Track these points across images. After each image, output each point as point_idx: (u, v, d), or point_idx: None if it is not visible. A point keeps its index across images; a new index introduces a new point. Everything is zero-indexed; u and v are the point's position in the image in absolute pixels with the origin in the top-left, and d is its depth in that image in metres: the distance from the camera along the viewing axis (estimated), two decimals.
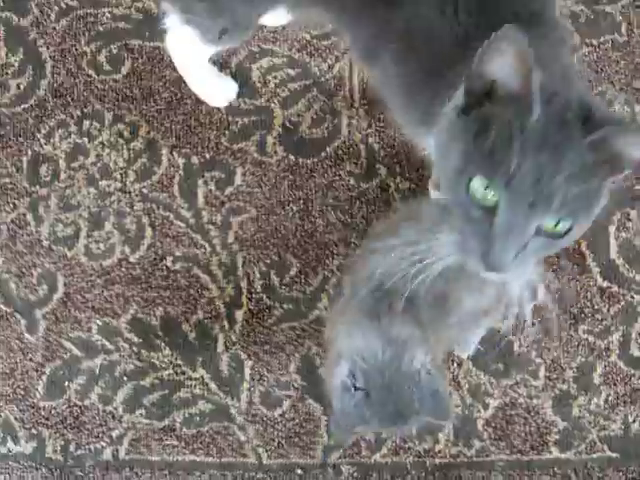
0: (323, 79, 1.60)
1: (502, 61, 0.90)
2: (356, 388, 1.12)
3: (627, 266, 1.58)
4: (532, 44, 0.90)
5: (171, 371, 1.56)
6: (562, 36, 1.11)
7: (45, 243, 1.58)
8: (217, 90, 1.57)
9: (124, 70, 1.61)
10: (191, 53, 1.47)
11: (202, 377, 1.56)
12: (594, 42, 1.63)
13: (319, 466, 1.55)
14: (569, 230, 0.94)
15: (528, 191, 0.89)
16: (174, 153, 1.59)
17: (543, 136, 0.89)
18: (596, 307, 1.57)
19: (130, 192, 1.59)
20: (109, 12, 1.62)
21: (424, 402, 1.11)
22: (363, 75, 1.59)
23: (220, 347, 1.56)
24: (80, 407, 1.56)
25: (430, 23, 1.06)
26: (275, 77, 1.60)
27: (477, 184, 0.91)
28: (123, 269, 1.57)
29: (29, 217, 1.59)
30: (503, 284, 1.07)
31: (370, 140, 1.58)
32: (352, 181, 1.58)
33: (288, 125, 1.59)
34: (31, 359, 1.56)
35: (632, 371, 1.57)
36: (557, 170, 0.89)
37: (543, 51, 0.97)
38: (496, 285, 1.15)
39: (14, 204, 1.59)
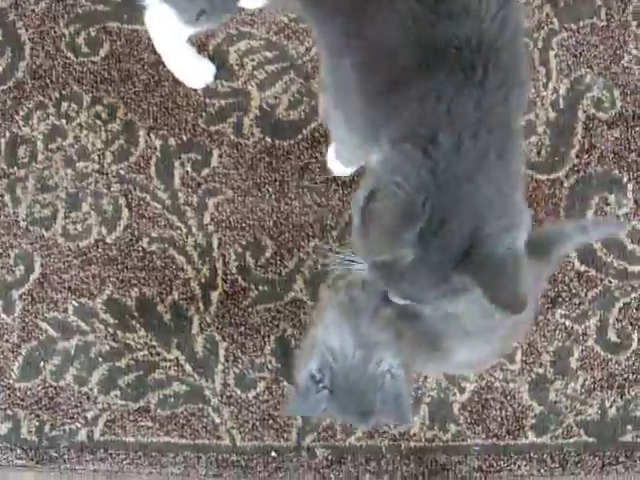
0: (300, 61, 1.60)
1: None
2: (323, 385, 1.13)
3: (605, 250, 1.57)
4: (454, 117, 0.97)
5: (146, 352, 1.56)
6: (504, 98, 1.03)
7: (22, 224, 1.59)
8: (194, 71, 1.57)
9: (102, 52, 1.61)
10: (169, 32, 1.47)
11: (177, 358, 1.55)
12: (573, 26, 1.62)
13: (293, 449, 1.54)
14: None
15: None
16: (151, 135, 1.59)
17: (416, 275, 0.98)
18: (573, 291, 1.57)
19: (107, 173, 1.59)
20: None
21: (386, 405, 1.14)
22: None
23: (195, 328, 1.56)
24: (55, 388, 1.56)
25: (394, 42, 1.05)
26: (252, 59, 1.60)
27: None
28: (99, 250, 1.58)
29: (7, 198, 1.59)
30: None
31: None
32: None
33: (265, 107, 1.59)
34: (7, 340, 1.57)
35: (609, 356, 1.56)
36: (423, 300, 1.05)
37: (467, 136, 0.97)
38: (492, 345, 1.24)
39: None
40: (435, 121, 0.97)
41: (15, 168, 1.59)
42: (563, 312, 1.56)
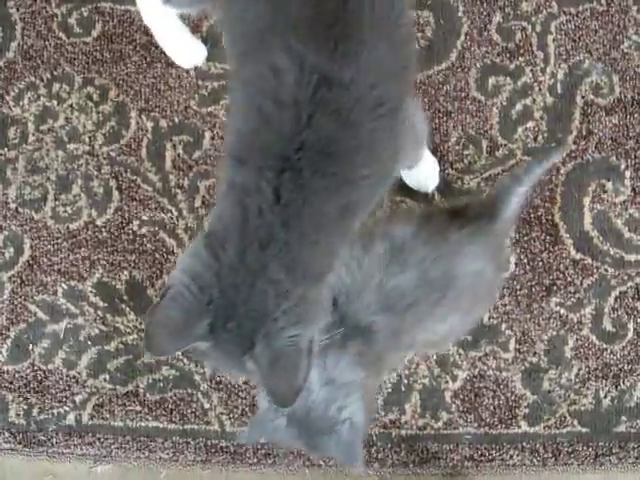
0: None
1: None
2: (281, 414, 1.13)
3: (601, 238, 1.55)
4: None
5: (135, 336, 1.54)
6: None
7: (12, 206, 1.57)
8: (185, 51, 1.55)
9: (94, 33, 1.60)
10: (158, 8, 1.45)
11: None
12: (572, 10, 1.59)
13: None
14: None
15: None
16: (143, 116, 1.58)
17: (215, 357, 1.03)
18: (569, 279, 1.54)
19: (98, 155, 1.58)
20: None
21: (338, 447, 1.13)
22: None
23: None
24: (44, 371, 1.55)
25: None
26: None
27: None
28: (90, 232, 1.56)
29: None
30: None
31: None
32: None
33: None
34: None
35: (604, 345, 1.54)
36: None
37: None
38: (449, 324, 1.24)
39: None
40: (231, 227, 1.00)
41: (5, 149, 1.58)
42: (558, 300, 1.54)
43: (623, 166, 1.56)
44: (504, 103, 1.57)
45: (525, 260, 1.54)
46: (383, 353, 1.21)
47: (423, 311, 1.18)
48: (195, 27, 1.57)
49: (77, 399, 1.54)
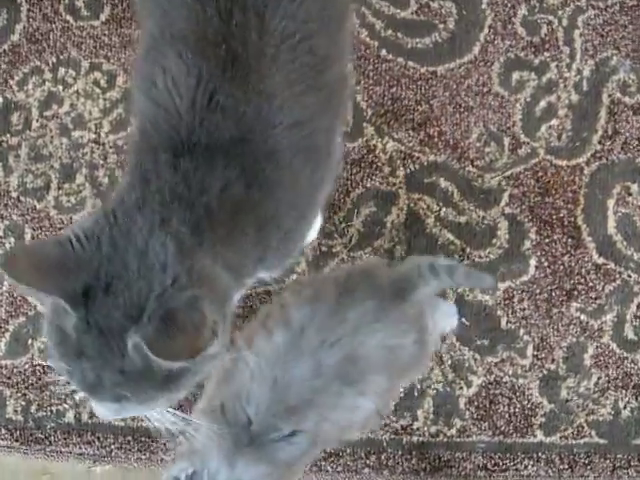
0: None
1: None
2: None
3: (625, 243, 1.50)
4: None
5: None
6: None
7: (14, 194, 1.53)
8: None
9: (103, 16, 1.56)
10: None
11: None
12: (601, 4, 1.54)
13: None
14: None
15: (86, 387, 0.93)
16: None
17: (81, 344, 0.89)
18: (590, 284, 1.49)
19: (104, 144, 1.53)
20: None
21: None
22: (352, 31, 1.52)
23: None
24: (43, 367, 1.50)
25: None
26: None
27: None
28: None
29: None
30: None
31: (358, 98, 1.51)
32: None
33: None
34: None
35: (625, 354, 1.49)
36: (101, 373, 0.90)
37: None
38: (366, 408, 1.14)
39: None
40: (130, 189, 0.97)
41: (8, 135, 1.54)
42: (578, 306, 1.48)
43: None
44: (528, 99, 1.52)
45: (545, 263, 1.48)
46: (291, 462, 1.13)
47: (326, 405, 1.08)
48: None
49: (77, 397, 1.49)
